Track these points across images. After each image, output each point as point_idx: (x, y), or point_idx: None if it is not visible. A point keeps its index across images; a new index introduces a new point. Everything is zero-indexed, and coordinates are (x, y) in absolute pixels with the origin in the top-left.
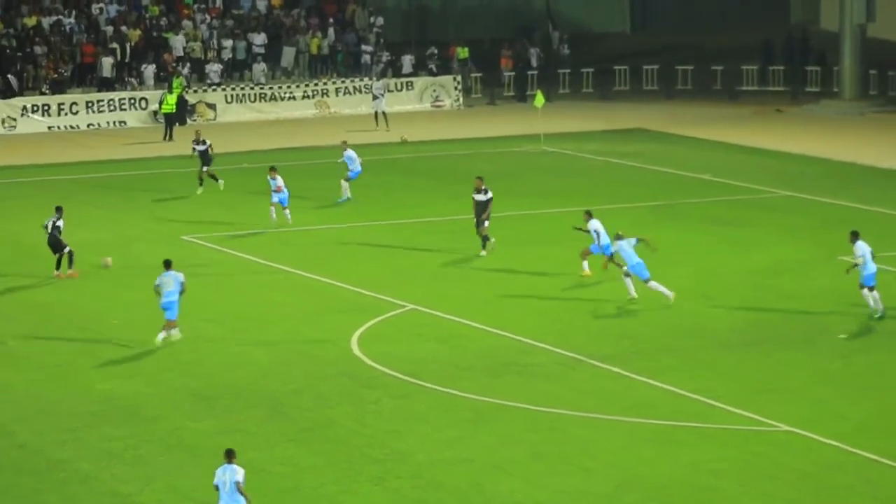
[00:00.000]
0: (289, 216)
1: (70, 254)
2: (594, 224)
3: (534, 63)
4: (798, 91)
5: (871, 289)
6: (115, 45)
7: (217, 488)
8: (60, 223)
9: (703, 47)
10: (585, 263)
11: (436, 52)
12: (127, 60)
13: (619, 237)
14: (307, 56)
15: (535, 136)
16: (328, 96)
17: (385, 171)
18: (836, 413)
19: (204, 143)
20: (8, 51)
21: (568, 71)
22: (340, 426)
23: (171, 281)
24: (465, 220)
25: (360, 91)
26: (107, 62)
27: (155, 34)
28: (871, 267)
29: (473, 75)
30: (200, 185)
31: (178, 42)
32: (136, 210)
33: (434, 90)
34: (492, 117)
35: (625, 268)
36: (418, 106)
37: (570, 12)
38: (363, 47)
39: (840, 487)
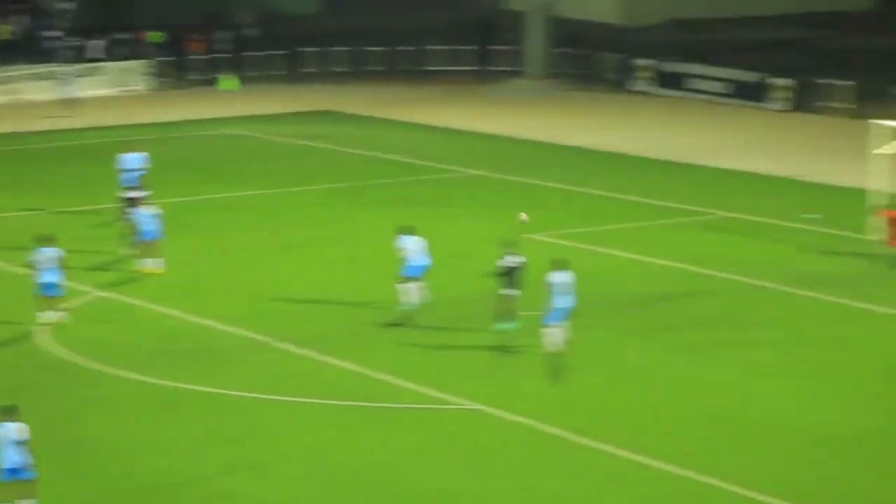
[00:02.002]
0: None
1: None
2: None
3: (224, 47)
4: (486, 71)
5: (414, 280)
6: None
7: None
8: None
9: (391, 28)
10: (149, 262)
11: (126, 37)
12: None
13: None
14: None
15: (226, 120)
16: (18, 83)
17: (73, 157)
18: (525, 392)
19: None
20: None
21: (259, 54)
22: (26, 413)
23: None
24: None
25: (51, 77)
26: None
27: None
28: (421, 260)
29: (163, 59)
30: None
31: None
32: None
33: (124, 75)
34: (183, 101)
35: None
36: (108, 91)
37: None
38: (51, 33)
39: (527, 464)
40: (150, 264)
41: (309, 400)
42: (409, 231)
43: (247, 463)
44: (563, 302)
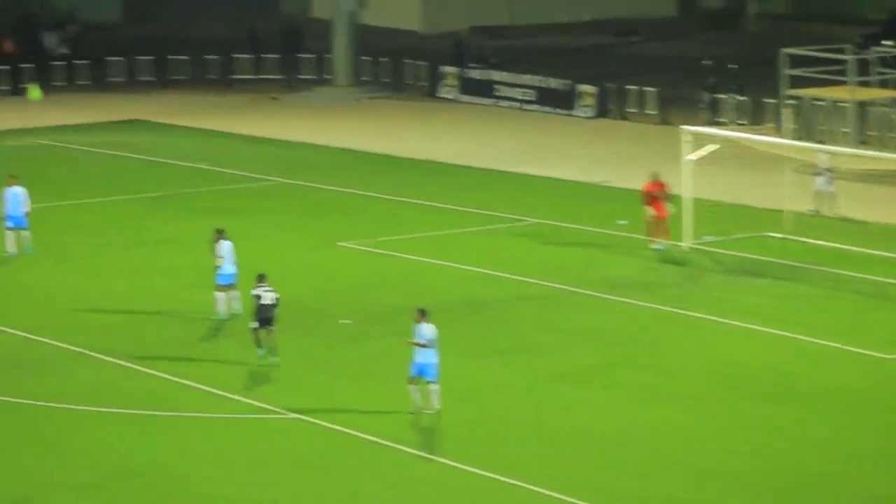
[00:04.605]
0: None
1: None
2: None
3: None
4: (292, 79)
5: (227, 288)
6: None
7: None
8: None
9: (195, 38)
10: None
11: None
12: None
13: None
14: None
15: (30, 130)
16: None
17: None
18: (340, 401)
19: None
20: None
21: (63, 63)
22: None
23: None
24: None
25: None
26: None
27: None
28: (230, 268)
29: None
30: None
31: None
32: None
33: None
34: None
35: None
36: None
37: (61, 3)
38: None
39: (347, 470)
40: None
41: (126, 411)
42: (225, 236)
43: (68, 475)
44: (425, 357)
